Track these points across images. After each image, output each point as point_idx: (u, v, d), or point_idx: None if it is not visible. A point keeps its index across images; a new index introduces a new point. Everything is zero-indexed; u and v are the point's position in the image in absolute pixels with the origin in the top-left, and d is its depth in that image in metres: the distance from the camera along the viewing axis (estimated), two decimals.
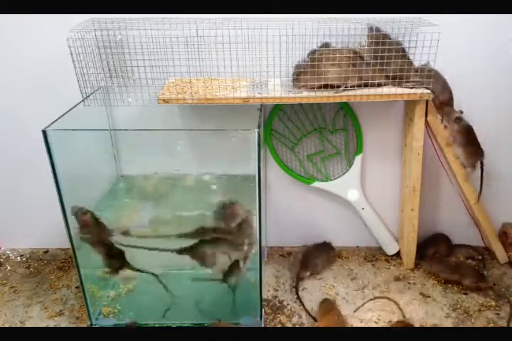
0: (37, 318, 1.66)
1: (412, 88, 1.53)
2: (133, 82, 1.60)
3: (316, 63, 1.46)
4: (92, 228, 1.45)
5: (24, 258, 2.00)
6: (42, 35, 1.63)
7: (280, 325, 1.61)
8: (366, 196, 1.91)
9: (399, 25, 1.48)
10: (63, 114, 1.37)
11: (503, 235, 1.94)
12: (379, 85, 1.51)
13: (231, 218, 1.46)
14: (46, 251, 2.04)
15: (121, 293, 1.70)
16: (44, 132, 1.27)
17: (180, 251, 1.49)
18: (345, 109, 1.75)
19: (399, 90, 1.52)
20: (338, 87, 1.50)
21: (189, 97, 1.47)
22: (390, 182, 1.90)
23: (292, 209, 1.96)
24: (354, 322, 1.61)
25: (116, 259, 1.53)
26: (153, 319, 1.62)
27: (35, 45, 1.65)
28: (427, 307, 1.68)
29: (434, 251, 1.91)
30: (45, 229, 1.99)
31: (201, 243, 1.48)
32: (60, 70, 1.64)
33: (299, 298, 1.71)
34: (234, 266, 1.51)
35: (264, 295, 1.74)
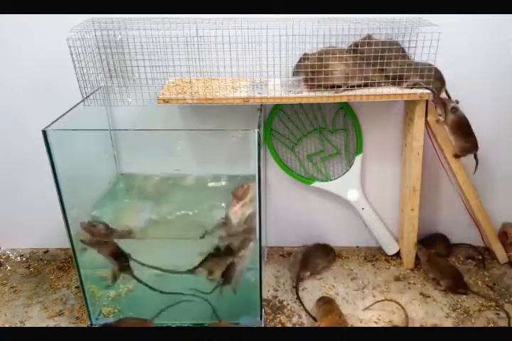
0: (37, 318, 1.66)
1: (412, 88, 1.53)
2: (133, 82, 1.60)
3: (324, 63, 1.45)
4: (103, 236, 1.47)
5: (24, 258, 2.00)
6: (42, 35, 1.63)
7: (280, 325, 1.61)
8: (366, 196, 1.91)
9: (399, 25, 1.48)
10: (63, 114, 1.37)
11: (503, 235, 1.95)
12: (379, 85, 1.51)
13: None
14: (46, 251, 2.03)
15: (121, 293, 1.70)
16: (44, 132, 1.27)
17: (192, 270, 1.52)
18: (345, 109, 1.75)
19: (399, 90, 1.52)
20: (339, 87, 1.49)
21: (189, 97, 1.47)
22: (390, 182, 1.90)
23: (292, 209, 1.96)
24: (354, 322, 1.61)
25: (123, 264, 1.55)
26: (153, 319, 1.62)
27: (35, 45, 1.65)
28: (427, 307, 1.68)
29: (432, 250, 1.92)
30: (45, 229, 1.99)
31: (211, 256, 1.50)
32: (60, 70, 1.64)
33: (298, 298, 1.71)
34: (231, 268, 1.51)
35: (264, 295, 1.74)
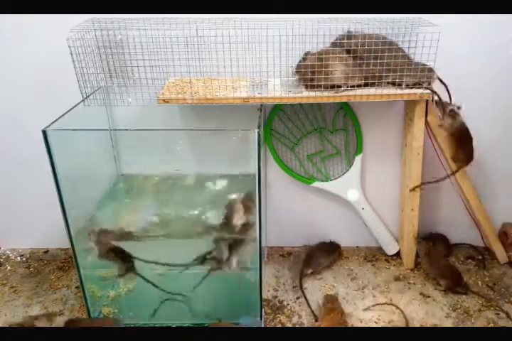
0: None
1: (412, 88, 1.53)
2: (133, 82, 1.60)
3: (324, 63, 1.45)
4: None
5: (24, 258, 2.00)
6: (42, 35, 1.63)
7: (280, 325, 1.61)
8: (366, 196, 1.91)
9: (399, 25, 1.48)
10: (63, 114, 1.37)
11: (503, 235, 1.95)
12: (379, 85, 1.51)
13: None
14: (46, 251, 2.04)
15: (121, 293, 1.71)
16: (44, 132, 1.27)
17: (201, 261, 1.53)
18: (345, 109, 1.75)
19: (399, 90, 1.52)
20: (339, 86, 1.50)
21: (189, 97, 1.47)
22: (390, 182, 1.90)
23: (292, 209, 1.96)
24: (354, 322, 1.61)
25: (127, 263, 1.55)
26: (154, 319, 1.62)
27: (35, 45, 1.65)
28: (427, 307, 1.68)
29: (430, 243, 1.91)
30: (45, 229, 1.99)
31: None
32: (60, 70, 1.64)
33: (303, 292, 1.71)
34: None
35: (264, 295, 1.74)
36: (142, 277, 1.58)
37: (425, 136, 1.69)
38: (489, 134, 1.79)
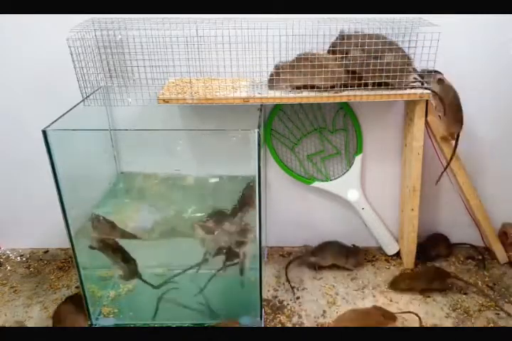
0: (37, 318, 1.66)
1: (411, 88, 1.53)
2: (133, 82, 1.60)
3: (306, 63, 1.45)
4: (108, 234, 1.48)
5: (24, 258, 2.00)
6: (42, 35, 1.63)
7: (280, 325, 1.61)
8: (366, 196, 1.91)
9: (399, 25, 1.48)
10: (63, 114, 1.37)
11: (503, 235, 1.95)
12: (379, 85, 1.51)
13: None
14: (46, 251, 2.03)
15: (121, 293, 1.71)
16: (44, 132, 1.27)
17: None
18: (345, 109, 1.75)
19: (399, 90, 1.52)
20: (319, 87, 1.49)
21: (189, 97, 1.47)
22: (390, 182, 1.90)
23: (292, 209, 1.96)
24: None
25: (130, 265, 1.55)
26: (153, 319, 1.62)
27: (35, 45, 1.65)
28: (427, 307, 1.68)
29: (434, 252, 1.92)
30: (45, 229, 1.99)
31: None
32: (60, 70, 1.64)
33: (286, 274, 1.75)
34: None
35: (264, 295, 1.74)
36: (146, 282, 1.59)
37: (425, 136, 1.69)
38: (489, 134, 1.79)
